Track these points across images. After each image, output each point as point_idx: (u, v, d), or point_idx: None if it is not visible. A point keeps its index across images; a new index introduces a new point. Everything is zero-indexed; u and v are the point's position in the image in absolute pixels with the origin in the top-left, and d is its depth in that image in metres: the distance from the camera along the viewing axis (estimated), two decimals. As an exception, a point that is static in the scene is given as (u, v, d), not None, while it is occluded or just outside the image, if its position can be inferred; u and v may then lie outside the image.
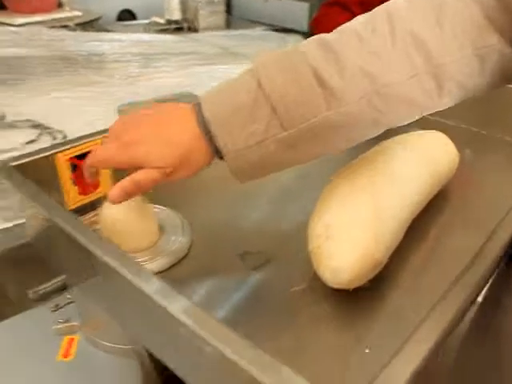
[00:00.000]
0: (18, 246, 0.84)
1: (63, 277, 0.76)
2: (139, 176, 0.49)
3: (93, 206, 0.67)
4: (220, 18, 2.29)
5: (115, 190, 0.50)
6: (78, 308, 0.71)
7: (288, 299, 0.55)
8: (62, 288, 0.76)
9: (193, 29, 2.21)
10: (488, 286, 0.58)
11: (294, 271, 0.58)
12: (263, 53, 0.49)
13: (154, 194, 0.66)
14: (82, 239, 0.46)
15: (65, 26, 1.95)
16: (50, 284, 0.75)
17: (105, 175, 0.67)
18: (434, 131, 0.73)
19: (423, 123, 0.74)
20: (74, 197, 0.65)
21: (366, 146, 0.66)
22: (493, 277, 0.57)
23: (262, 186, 0.76)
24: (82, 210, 0.67)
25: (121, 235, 0.58)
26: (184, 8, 2.21)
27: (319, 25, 1.51)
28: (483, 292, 0.60)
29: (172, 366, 0.44)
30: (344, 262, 0.50)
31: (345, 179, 0.58)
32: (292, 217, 0.69)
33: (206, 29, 2.20)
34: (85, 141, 0.65)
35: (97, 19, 2.15)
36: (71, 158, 0.64)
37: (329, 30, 0.49)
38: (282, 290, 0.56)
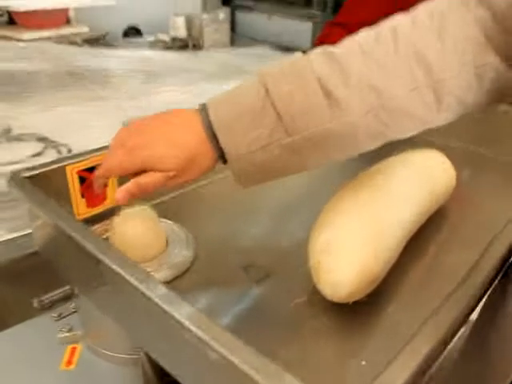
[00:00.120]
0: (23, 256, 0.86)
1: (67, 287, 0.78)
2: (143, 179, 0.50)
3: (100, 217, 0.68)
4: (224, 36, 2.32)
5: (120, 193, 0.51)
6: (81, 317, 0.72)
7: (288, 312, 0.56)
8: (66, 297, 0.78)
9: (197, 46, 2.24)
10: (483, 303, 0.60)
11: (294, 285, 0.60)
12: (268, 66, 0.50)
13: (160, 208, 0.68)
14: (91, 248, 0.48)
15: (72, 42, 1.99)
16: (54, 293, 0.77)
17: (112, 188, 0.69)
18: (433, 150, 0.75)
19: (422, 143, 0.76)
20: (82, 209, 0.67)
21: (366, 163, 0.68)
22: (487, 294, 0.59)
23: (265, 202, 0.78)
24: (89, 222, 0.68)
25: (129, 247, 0.60)
26: (189, 26, 2.25)
27: (322, 44, 1.54)
28: (478, 310, 0.62)
29: (175, 373, 0.46)
30: (343, 276, 0.51)
31: (345, 196, 0.60)
32: (293, 232, 0.71)
33: (211, 46, 2.24)
34: (94, 154, 0.67)
35: (103, 35, 2.19)
36: (80, 171, 0.66)
37: None
38: (283, 304, 0.57)
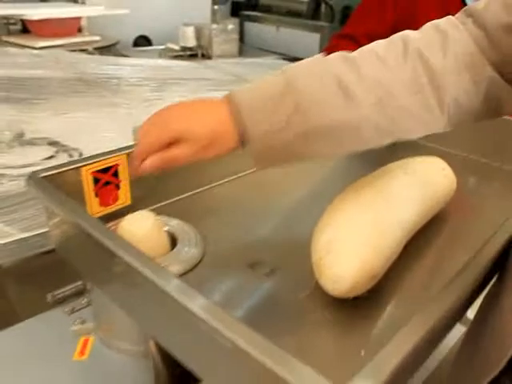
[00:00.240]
0: (35, 255, 0.89)
1: (79, 282, 0.81)
2: (173, 151, 0.54)
3: (112, 217, 0.71)
4: (233, 46, 2.34)
5: (149, 162, 0.55)
6: (94, 311, 0.75)
7: (292, 306, 0.59)
8: (79, 293, 0.81)
9: (206, 56, 2.27)
10: (480, 303, 0.62)
11: (298, 281, 0.62)
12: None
13: (172, 208, 0.71)
14: (108, 243, 0.51)
15: (84, 50, 2.02)
16: (67, 288, 0.80)
17: (124, 189, 0.72)
18: (434, 157, 0.78)
19: (426, 151, 0.79)
20: (95, 208, 0.70)
21: (368, 168, 0.71)
22: (483, 294, 0.61)
23: (270, 204, 0.81)
24: (102, 220, 0.71)
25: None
26: (198, 35, 2.27)
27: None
28: (474, 311, 0.64)
29: (188, 363, 0.48)
30: (344, 272, 0.54)
31: (347, 197, 0.62)
32: (297, 232, 0.73)
33: (220, 56, 2.26)
34: (107, 156, 0.70)
35: (114, 44, 2.22)
36: (94, 172, 0.69)
37: None
38: (287, 298, 0.60)
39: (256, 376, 0.39)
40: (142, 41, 2.56)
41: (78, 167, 0.68)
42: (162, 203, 0.78)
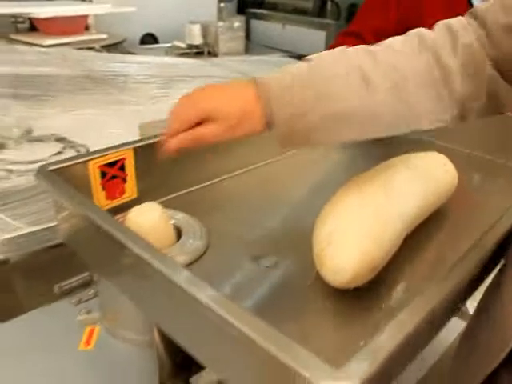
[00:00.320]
0: (42, 249, 0.90)
1: (86, 274, 0.83)
2: (201, 129, 0.57)
3: (119, 210, 0.73)
4: (239, 44, 2.35)
5: (179, 140, 0.57)
6: (100, 302, 0.77)
7: (293, 297, 0.60)
8: (85, 284, 0.82)
9: (213, 53, 2.28)
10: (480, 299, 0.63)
11: (300, 272, 0.64)
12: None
13: (178, 202, 0.72)
14: (118, 235, 0.52)
15: (91, 48, 2.03)
16: (74, 280, 0.82)
17: (130, 183, 0.74)
18: (435, 152, 0.79)
19: (430, 147, 0.80)
20: (102, 201, 0.72)
21: (370, 163, 0.72)
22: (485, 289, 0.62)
23: (274, 199, 0.83)
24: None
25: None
26: (205, 33, 2.28)
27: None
28: (475, 306, 0.65)
29: (194, 352, 0.49)
30: (344, 263, 0.55)
31: (348, 191, 0.64)
32: (300, 225, 0.75)
33: (226, 54, 2.27)
34: (113, 151, 0.72)
35: (121, 42, 2.24)
36: (101, 166, 0.70)
37: None
38: (289, 289, 0.61)
39: (260, 363, 0.41)
40: (149, 38, 2.57)
41: (85, 161, 0.69)
42: (168, 197, 0.79)
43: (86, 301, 0.80)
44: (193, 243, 0.68)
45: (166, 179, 0.78)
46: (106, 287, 0.74)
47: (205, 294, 0.43)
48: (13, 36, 2.11)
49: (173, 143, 0.58)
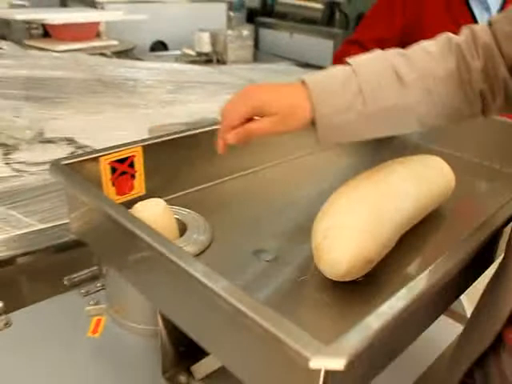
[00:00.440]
0: (52, 245, 0.93)
1: (95, 267, 0.86)
2: (252, 125, 0.61)
3: (128, 205, 0.75)
4: (248, 52, 2.39)
5: (231, 135, 0.62)
6: (108, 293, 0.80)
7: (293, 288, 0.63)
8: (94, 277, 0.86)
9: (221, 61, 2.32)
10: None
11: (299, 266, 0.67)
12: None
13: (184, 199, 0.75)
14: (133, 228, 0.54)
15: (102, 54, 2.08)
16: (83, 272, 0.85)
17: (139, 179, 0.77)
18: (432, 156, 0.81)
19: (427, 151, 0.83)
20: (111, 196, 0.75)
21: (371, 165, 0.75)
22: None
23: (275, 197, 0.86)
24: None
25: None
26: (214, 41, 2.32)
27: (339, 61, 1.61)
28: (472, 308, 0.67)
29: (202, 342, 0.52)
30: (340, 257, 0.58)
31: (347, 189, 0.67)
32: (300, 222, 0.77)
33: (234, 61, 2.31)
34: (124, 148, 0.75)
35: (131, 49, 2.28)
36: (112, 162, 0.73)
37: None
38: (288, 281, 0.64)
39: (257, 340, 0.43)
40: (159, 46, 2.62)
41: (96, 157, 0.72)
42: (175, 195, 0.82)
43: (94, 292, 0.83)
44: (197, 238, 0.71)
45: (173, 177, 0.81)
46: (113, 280, 0.77)
47: (218, 285, 0.45)
48: (26, 42, 2.16)
49: (227, 139, 0.62)
